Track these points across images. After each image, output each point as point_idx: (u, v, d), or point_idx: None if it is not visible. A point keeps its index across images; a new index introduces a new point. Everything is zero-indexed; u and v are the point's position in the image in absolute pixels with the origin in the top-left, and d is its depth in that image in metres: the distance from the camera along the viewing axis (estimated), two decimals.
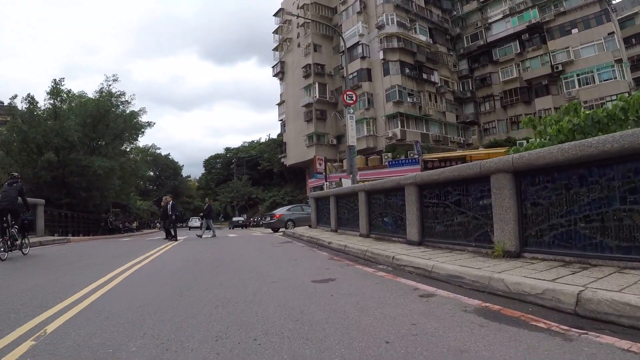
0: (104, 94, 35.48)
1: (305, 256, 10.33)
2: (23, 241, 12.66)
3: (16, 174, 13.75)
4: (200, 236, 23.12)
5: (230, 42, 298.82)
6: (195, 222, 76.83)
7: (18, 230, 12.44)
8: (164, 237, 21.71)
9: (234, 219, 60.93)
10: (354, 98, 20.07)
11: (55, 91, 32.61)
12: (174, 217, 21.23)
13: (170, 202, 21.61)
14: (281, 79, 65.91)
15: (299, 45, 59.96)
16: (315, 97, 55.43)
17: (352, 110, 20.13)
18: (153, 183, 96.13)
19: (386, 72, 49.43)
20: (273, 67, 67.27)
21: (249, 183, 78.15)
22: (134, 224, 55.28)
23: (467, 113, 58.02)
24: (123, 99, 36.71)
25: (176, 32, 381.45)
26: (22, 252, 12.46)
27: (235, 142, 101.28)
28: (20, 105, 31.75)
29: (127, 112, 37.65)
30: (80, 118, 33.42)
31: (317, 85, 55.82)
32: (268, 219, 29.70)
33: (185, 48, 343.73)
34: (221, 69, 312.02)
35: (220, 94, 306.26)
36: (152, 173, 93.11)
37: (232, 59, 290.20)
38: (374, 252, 8.64)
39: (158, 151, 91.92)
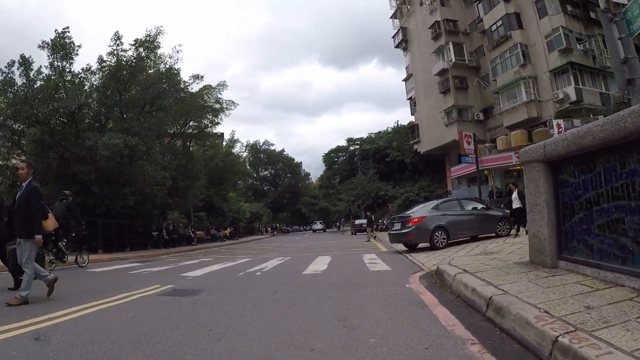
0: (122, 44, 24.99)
1: None
2: (79, 256, 13.81)
3: (67, 191, 14.23)
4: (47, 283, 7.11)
5: (349, 47, 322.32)
6: (317, 225, 77.88)
7: (71, 244, 13.93)
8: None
9: (357, 221, 50.88)
10: None
11: (58, 46, 22.79)
12: None
13: None
14: (405, 49, 55.48)
15: (421, 4, 48.88)
16: (451, 60, 43.85)
17: None
18: (269, 183, 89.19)
19: (542, 12, 36.61)
20: (393, 36, 57.06)
21: (376, 178, 67.03)
22: (226, 231, 45.42)
23: None
24: (155, 44, 25.63)
25: (295, 43, 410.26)
26: (79, 265, 13.58)
27: None
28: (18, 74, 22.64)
29: (167, 67, 26.98)
30: (98, 79, 24.57)
31: (451, 45, 44.18)
32: (398, 226, 16.50)
33: (307, 57, 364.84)
34: (344, 73, 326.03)
35: (346, 97, 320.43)
36: (267, 172, 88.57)
37: (354, 62, 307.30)
38: None
39: (272, 147, 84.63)
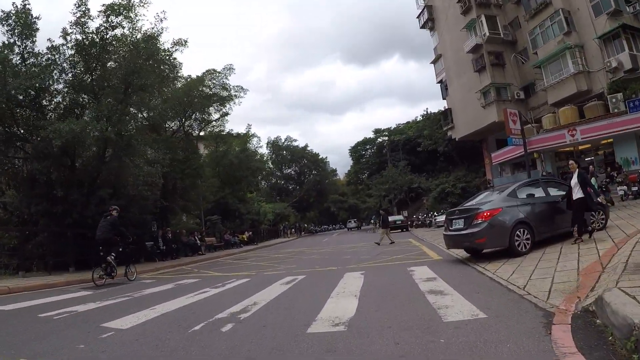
0: (89, 11, 19.96)
1: None
2: (128, 269, 14.13)
3: (113, 206, 14.45)
4: None
5: (370, 44, 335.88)
6: (352, 223, 78.13)
7: (118, 259, 13.67)
8: None
9: (390, 218, 44.51)
10: None
11: (16, 19, 18.35)
12: None
13: None
14: (431, 29, 51.15)
15: None
16: (485, 34, 39.46)
17: None
18: (294, 181, 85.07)
19: None
20: (418, 16, 52.66)
21: (407, 169, 63.11)
22: (244, 236, 40.28)
23: None
24: (130, 4, 20.35)
25: (316, 43, 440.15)
26: (128, 279, 13.90)
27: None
28: None
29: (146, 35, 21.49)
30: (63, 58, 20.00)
31: (483, 18, 39.78)
32: (459, 224, 11.33)
33: (328, 56, 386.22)
34: (366, 70, 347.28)
35: (370, 94, 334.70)
36: (291, 170, 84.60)
37: (375, 58, 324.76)
38: None
39: (295, 143, 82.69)
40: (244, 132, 48.04)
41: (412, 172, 62.90)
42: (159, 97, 23.47)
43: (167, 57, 22.41)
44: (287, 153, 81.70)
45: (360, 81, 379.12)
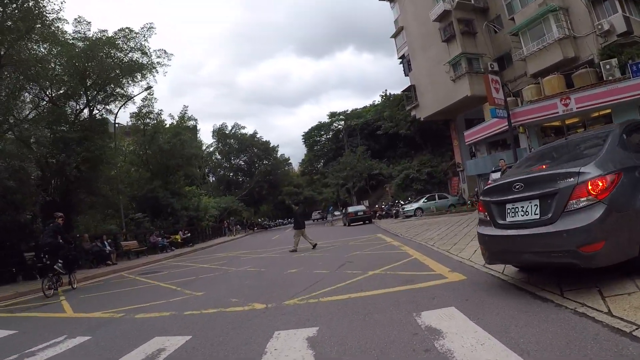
0: None
1: None
2: (72, 277, 13.64)
3: (59, 213, 13.82)
4: None
5: (324, 36, 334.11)
6: (316, 214, 76.32)
7: (64, 266, 13.02)
8: None
9: (350, 209, 41.73)
10: None
11: None
12: None
13: None
14: (391, 0, 47.54)
15: None
16: None
17: None
18: (244, 173, 78.69)
19: None
20: None
21: (367, 155, 59.71)
22: (178, 236, 33.82)
23: None
24: None
25: (270, 36, 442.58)
26: (72, 287, 13.39)
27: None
28: None
29: None
30: None
31: None
32: (528, 209, 4.86)
33: (282, 49, 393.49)
34: (321, 62, 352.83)
35: (325, 86, 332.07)
36: (240, 161, 78.41)
37: (329, 50, 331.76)
38: None
39: (242, 131, 76.78)
40: (180, 114, 42.50)
41: (372, 158, 59.92)
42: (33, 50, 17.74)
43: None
44: (234, 142, 75.71)
45: (315, 73, 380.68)
